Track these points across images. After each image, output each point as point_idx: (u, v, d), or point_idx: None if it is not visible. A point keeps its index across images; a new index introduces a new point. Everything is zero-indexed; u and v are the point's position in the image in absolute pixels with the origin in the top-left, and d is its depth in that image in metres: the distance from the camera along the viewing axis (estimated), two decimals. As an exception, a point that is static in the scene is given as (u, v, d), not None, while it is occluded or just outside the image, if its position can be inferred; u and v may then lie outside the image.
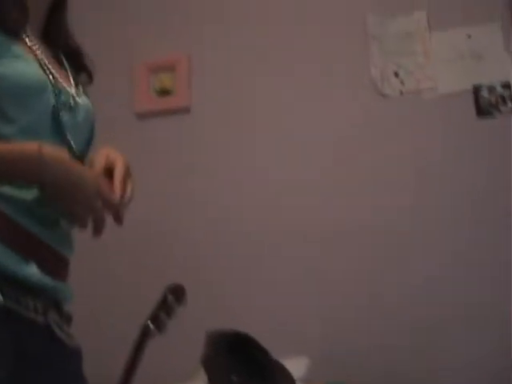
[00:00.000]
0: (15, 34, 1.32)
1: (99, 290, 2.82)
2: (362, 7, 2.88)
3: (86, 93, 1.55)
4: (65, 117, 1.36)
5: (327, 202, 2.75)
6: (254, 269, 2.76)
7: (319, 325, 2.63)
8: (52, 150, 1.21)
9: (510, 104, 2.62)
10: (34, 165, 1.18)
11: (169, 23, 3.16)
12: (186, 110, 3.03)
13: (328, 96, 2.85)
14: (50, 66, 1.38)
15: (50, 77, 1.36)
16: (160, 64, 3.10)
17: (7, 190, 1.23)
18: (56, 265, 1.33)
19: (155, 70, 3.09)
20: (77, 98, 1.43)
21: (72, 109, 1.40)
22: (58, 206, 1.25)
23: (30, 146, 1.20)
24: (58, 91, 1.36)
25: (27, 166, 1.19)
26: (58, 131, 1.34)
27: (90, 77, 1.62)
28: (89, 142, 1.50)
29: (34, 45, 1.39)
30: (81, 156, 1.40)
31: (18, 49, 1.31)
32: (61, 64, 1.52)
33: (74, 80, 1.50)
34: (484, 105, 2.63)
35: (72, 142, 1.36)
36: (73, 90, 1.44)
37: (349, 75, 2.85)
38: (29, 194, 1.24)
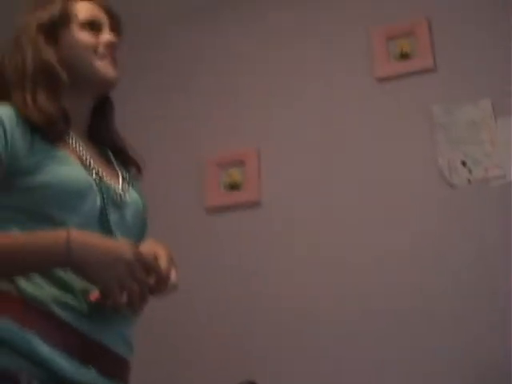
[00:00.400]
0: (58, 140, 1.37)
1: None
2: (427, 96, 2.88)
3: (136, 187, 1.57)
4: (112, 215, 1.38)
5: (397, 289, 2.67)
6: (324, 361, 2.68)
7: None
8: (79, 234, 1.22)
9: None
10: (63, 252, 1.20)
11: (237, 118, 3.24)
12: (256, 205, 3.05)
13: (396, 188, 2.82)
14: (95, 165, 1.41)
15: (95, 176, 1.38)
16: (229, 159, 3.15)
17: (63, 296, 1.25)
18: (115, 367, 1.34)
19: (224, 165, 3.15)
20: (124, 195, 1.45)
21: (119, 206, 1.42)
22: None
23: (57, 234, 1.22)
24: (106, 189, 1.39)
25: (56, 253, 1.21)
26: (106, 230, 1.36)
27: (139, 170, 1.64)
28: (140, 238, 1.51)
29: (78, 145, 1.42)
30: None
31: (60, 154, 1.34)
32: (108, 160, 1.54)
33: (122, 176, 1.52)
34: (554, 191, 2.56)
35: (118, 238, 1.37)
36: (120, 187, 1.46)
37: (416, 165, 2.82)
38: (85, 302, 1.27)
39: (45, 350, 1.20)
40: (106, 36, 1.52)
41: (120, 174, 1.53)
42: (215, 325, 2.90)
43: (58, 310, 1.24)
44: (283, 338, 2.78)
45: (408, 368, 2.56)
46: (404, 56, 2.94)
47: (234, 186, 3.11)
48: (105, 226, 1.36)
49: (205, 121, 3.28)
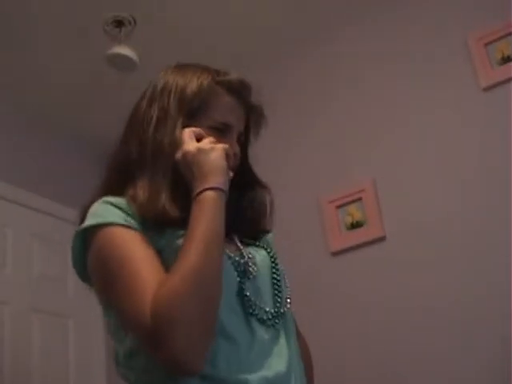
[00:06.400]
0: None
1: None
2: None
3: (265, 244, 1.53)
4: (246, 284, 1.35)
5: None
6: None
7: None
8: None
9: None
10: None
11: (348, 153, 3.20)
12: (380, 240, 2.95)
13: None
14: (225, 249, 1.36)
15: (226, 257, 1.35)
16: (346, 197, 3.08)
17: None
18: None
19: (342, 205, 3.08)
20: (252, 264, 1.40)
21: (251, 273, 1.38)
22: None
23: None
24: (237, 264, 1.36)
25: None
26: (244, 302, 1.33)
27: (268, 231, 1.59)
28: (278, 294, 1.44)
29: None
30: (277, 314, 1.38)
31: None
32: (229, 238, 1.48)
33: (240, 242, 1.48)
34: None
35: (261, 306, 1.35)
36: (246, 258, 1.41)
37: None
38: None
39: None
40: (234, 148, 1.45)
41: (238, 241, 1.48)
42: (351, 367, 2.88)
43: None
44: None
45: None
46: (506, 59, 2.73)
47: (355, 225, 3.03)
48: (243, 299, 1.34)
49: (318, 158, 3.26)
